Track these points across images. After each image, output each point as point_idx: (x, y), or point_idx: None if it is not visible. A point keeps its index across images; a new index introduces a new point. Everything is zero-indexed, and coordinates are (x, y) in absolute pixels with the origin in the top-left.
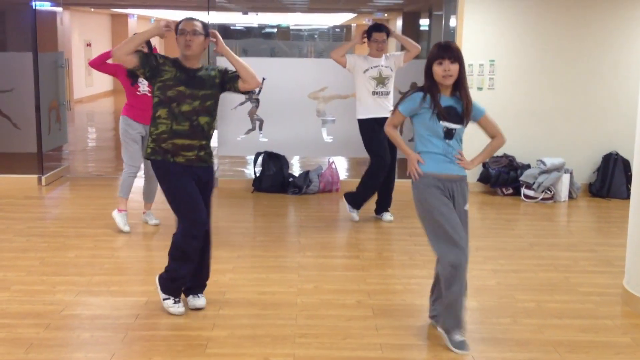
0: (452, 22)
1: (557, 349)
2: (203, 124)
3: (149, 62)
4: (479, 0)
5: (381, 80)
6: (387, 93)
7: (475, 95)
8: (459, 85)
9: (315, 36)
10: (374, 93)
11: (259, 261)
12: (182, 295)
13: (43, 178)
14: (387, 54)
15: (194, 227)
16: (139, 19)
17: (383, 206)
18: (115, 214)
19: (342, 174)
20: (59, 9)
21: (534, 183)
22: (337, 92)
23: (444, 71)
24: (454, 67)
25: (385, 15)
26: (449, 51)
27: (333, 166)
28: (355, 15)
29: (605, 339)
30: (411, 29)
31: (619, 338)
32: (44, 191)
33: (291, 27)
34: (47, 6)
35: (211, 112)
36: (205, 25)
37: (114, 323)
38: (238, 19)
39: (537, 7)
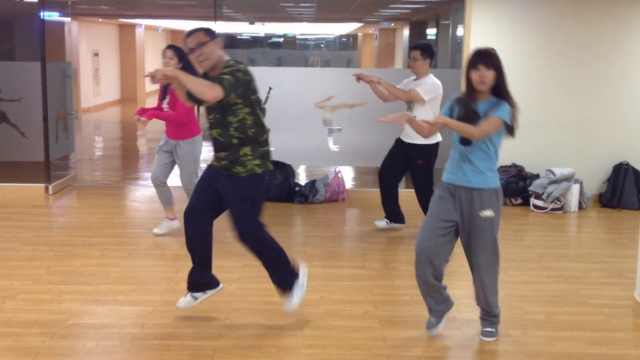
0: (459, 31)
1: None
2: (216, 136)
3: None
4: (487, 9)
5: (408, 104)
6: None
7: None
8: (498, 91)
9: (322, 45)
10: None
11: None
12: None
13: (50, 187)
14: (430, 76)
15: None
16: (146, 29)
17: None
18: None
19: (349, 184)
20: (67, 19)
21: (543, 193)
22: (344, 101)
23: (479, 77)
24: (490, 74)
25: (392, 24)
26: (483, 57)
27: (339, 176)
28: (361, 24)
29: (617, 351)
30: (418, 38)
31: (630, 351)
32: (51, 200)
33: (297, 37)
34: (55, 16)
35: (220, 123)
36: (206, 31)
37: (120, 332)
38: (245, 29)
39: (546, 17)
